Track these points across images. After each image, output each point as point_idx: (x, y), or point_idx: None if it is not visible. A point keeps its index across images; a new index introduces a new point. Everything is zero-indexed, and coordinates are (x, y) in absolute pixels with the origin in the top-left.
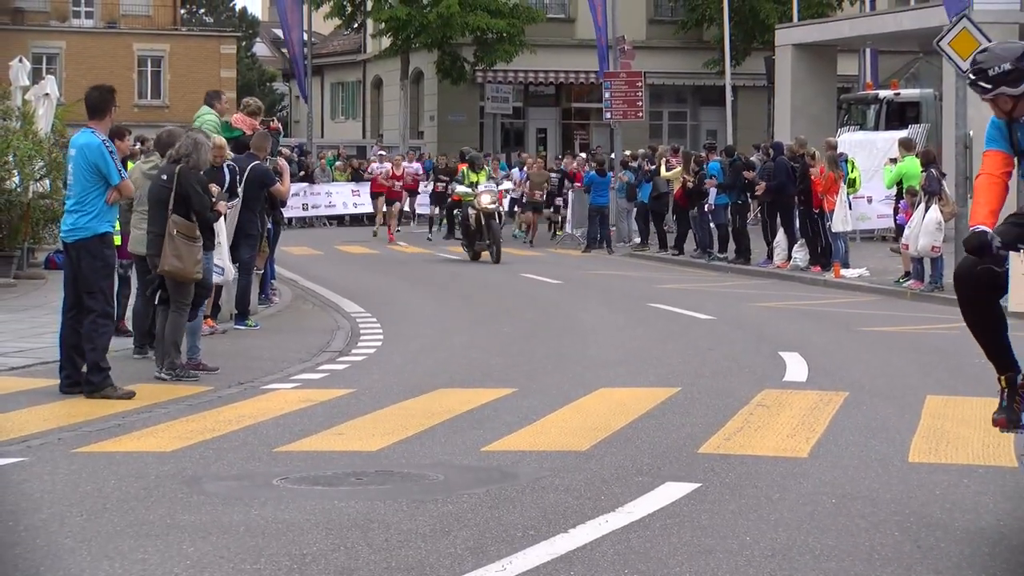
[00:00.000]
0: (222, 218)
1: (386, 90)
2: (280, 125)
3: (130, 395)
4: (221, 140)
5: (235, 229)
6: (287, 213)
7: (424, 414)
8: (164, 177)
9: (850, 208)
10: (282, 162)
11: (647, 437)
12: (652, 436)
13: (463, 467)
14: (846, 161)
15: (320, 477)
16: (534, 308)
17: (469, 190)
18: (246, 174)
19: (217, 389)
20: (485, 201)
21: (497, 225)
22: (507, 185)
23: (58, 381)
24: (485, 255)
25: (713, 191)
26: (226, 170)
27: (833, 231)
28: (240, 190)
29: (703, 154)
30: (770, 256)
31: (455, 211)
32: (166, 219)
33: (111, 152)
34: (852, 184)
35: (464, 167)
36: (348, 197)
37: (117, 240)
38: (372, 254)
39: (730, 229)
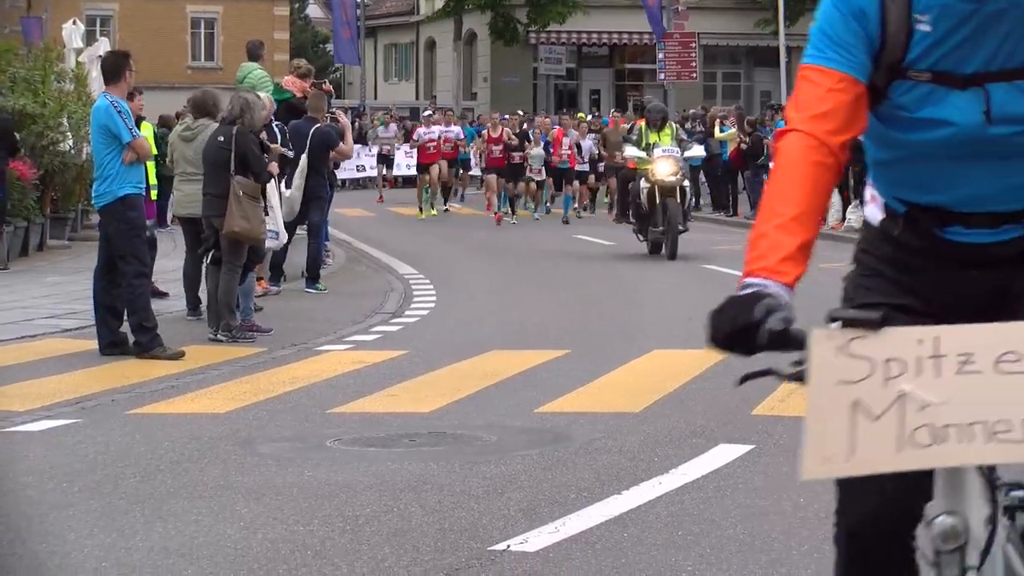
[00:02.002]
0: (272, 181)
1: (439, 52)
2: (332, 87)
3: (179, 355)
4: (268, 98)
5: (304, 193)
6: (340, 175)
7: (477, 376)
8: (221, 139)
9: None
10: (343, 120)
11: (701, 399)
12: (706, 398)
13: (516, 429)
14: None
15: (373, 439)
16: (587, 269)
17: (644, 155)
18: (309, 138)
19: (271, 351)
20: (662, 172)
21: (677, 206)
22: (696, 152)
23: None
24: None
25: None
26: (276, 130)
27: None
28: (304, 155)
29: (763, 114)
30: (824, 217)
31: (629, 184)
32: (224, 180)
33: (120, 111)
34: None
35: (641, 123)
36: (402, 158)
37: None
38: (425, 216)
39: None
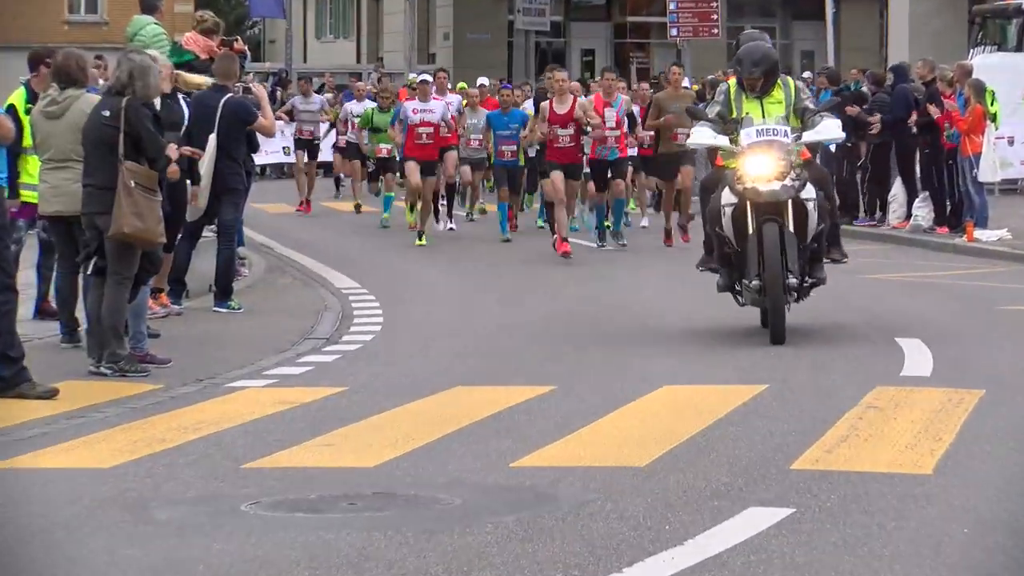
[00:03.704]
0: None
1: (387, 1)
2: (245, 47)
3: (52, 393)
4: (164, 61)
5: (213, 184)
6: (259, 160)
7: (436, 419)
8: (106, 113)
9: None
10: (259, 88)
11: (724, 449)
12: (731, 448)
13: (486, 487)
14: (985, 91)
15: (302, 501)
16: (578, 280)
17: (726, 142)
18: (219, 111)
19: (169, 387)
20: (755, 173)
21: (789, 239)
22: (830, 131)
23: None
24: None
25: None
26: (183, 104)
27: (979, 180)
28: (214, 135)
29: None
30: (883, 213)
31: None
32: (110, 168)
33: None
34: (993, 119)
35: (730, 81)
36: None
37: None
38: (371, 212)
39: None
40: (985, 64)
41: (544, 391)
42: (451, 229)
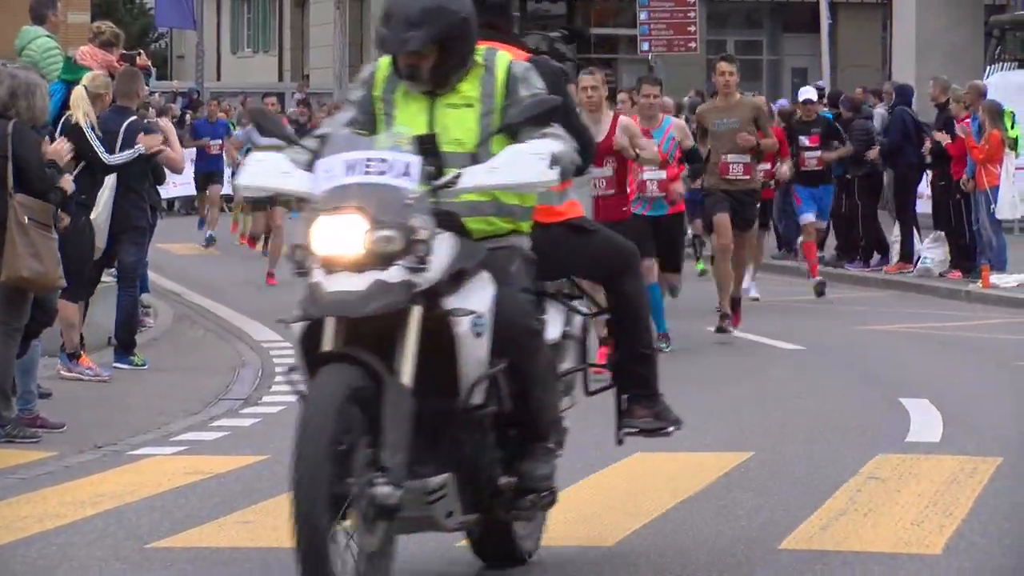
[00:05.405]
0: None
1: (314, 10)
2: (149, 62)
3: None
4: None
5: (112, 220)
6: (166, 193)
7: None
8: None
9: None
10: (166, 123)
11: (704, 526)
12: (712, 524)
13: (429, 571)
14: (1002, 114)
15: None
16: None
17: (307, 187)
18: (120, 136)
19: (64, 455)
20: (328, 250)
21: (378, 403)
22: (508, 174)
23: None
24: None
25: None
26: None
27: (996, 217)
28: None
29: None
30: (882, 256)
31: None
32: None
33: None
34: (1013, 147)
35: (382, 60)
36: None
37: None
38: None
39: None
40: (1004, 82)
41: None
42: None
